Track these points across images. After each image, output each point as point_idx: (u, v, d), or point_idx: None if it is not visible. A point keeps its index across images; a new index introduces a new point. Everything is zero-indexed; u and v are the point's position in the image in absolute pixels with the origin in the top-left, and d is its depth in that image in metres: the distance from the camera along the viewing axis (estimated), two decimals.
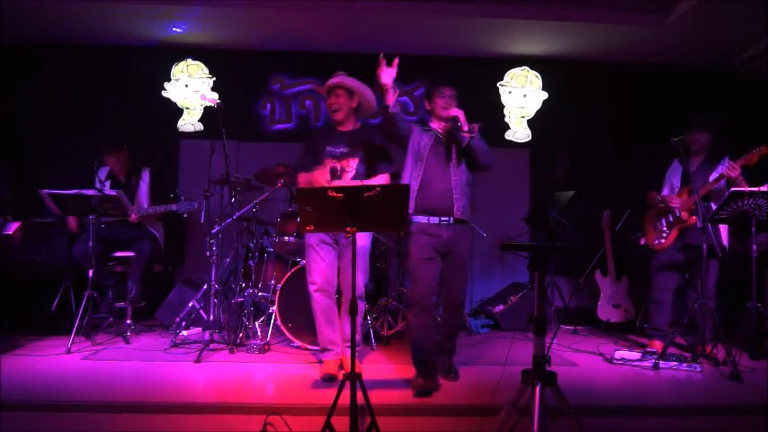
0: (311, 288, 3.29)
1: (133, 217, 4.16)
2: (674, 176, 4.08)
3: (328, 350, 3.27)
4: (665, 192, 4.08)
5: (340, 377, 3.13)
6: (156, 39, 5.38)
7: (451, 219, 3.07)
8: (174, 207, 4.16)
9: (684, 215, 3.86)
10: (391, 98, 2.98)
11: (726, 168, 3.68)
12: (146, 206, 4.39)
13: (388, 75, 2.95)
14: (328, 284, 3.29)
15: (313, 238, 3.31)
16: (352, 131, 3.40)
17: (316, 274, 3.28)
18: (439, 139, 3.15)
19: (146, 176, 4.55)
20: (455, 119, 2.99)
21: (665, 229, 4.00)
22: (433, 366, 3.04)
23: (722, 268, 3.89)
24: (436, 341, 3.19)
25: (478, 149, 3.07)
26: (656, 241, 4.01)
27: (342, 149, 3.31)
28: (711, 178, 3.83)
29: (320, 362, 3.33)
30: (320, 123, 5.69)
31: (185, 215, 4.28)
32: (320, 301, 3.27)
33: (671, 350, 3.70)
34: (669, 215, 3.99)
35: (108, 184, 4.41)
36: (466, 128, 2.97)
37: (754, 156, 3.64)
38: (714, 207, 3.68)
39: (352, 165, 3.30)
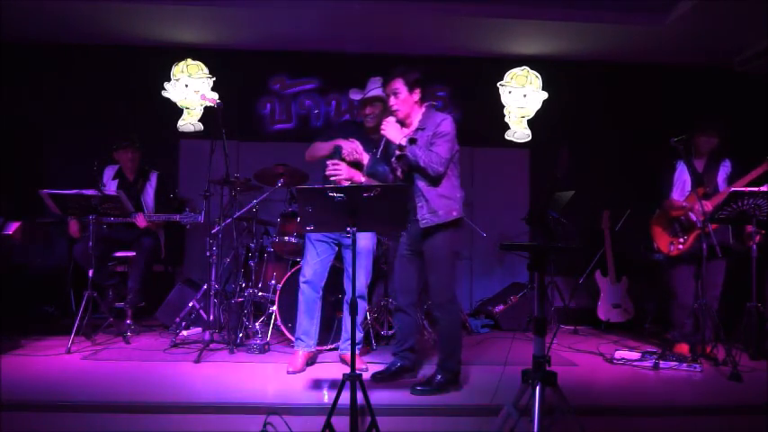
0: (300, 279, 3.42)
1: (142, 223, 4.16)
2: (684, 179, 4.00)
3: (301, 341, 3.39)
4: (676, 194, 4.02)
5: (300, 368, 3.27)
6: (156, 39, 5.38)
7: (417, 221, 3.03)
8: (176, 217, 4.15)
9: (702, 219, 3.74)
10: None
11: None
12: (151, 209, 4.41)
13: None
14: (317, 279, 3.40)
15: (314, 234, 3.37)
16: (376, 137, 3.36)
17: (306, 268, 3.40)
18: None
19: (153, 179, 4.55)
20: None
21: (680, 233, 3.93)
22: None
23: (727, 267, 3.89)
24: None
25: (412, 163, 2.96)
26: (672, 247, 3.93)
27: None
28: (720, 180, 3.88)
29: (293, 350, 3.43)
30: (320, 123, 5.69)
31: (188, 226, 4.26)
32: (305, 293, 3.39)
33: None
34: (681, 219, 3.93)
35: (115, 183, 4.41)
36: (395, 144, 3.01)
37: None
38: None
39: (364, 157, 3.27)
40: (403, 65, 3.08)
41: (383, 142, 3.07)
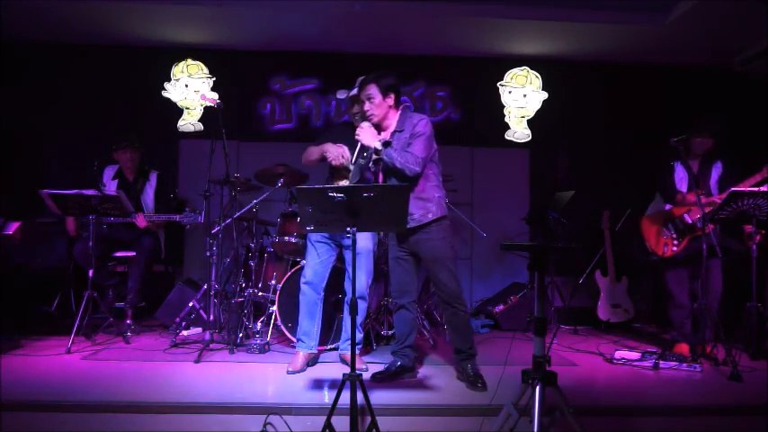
0: (301, 280, 3.44)
1: (142, 223, 4.16)
2: (681, 179, 4.01)
3: (302, 342, 3.40)
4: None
5: (300, 368, 3.27)
6: (156, 39, 5.38)
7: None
8: (176, 217, 4.15)
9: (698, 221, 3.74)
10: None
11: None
12: (150, 209, 4.41)
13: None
14: (317, 281, 3.41)
15: (314, 235, 3.40)
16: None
17: (307, 270, 3.43)
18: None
19: (153, 179, 4.54)
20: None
21: (674, 235, 3.92)
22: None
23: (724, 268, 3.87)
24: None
25: (389, 165, 2.99)
26: (666, 249, 3.93)
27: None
28: (712, 182, 3.88)
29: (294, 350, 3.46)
30: (320, 123, 5.69)
31: (188, 226, 4.26)
32: (306, 295, 3.41)
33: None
34: (676, 221, 3.93)
35: (115, 183, 4.40)
36: (371, 148, 3.02)
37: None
38: None
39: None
40: (378, 69, 3.13)
41: (358, 147, 3.08)
